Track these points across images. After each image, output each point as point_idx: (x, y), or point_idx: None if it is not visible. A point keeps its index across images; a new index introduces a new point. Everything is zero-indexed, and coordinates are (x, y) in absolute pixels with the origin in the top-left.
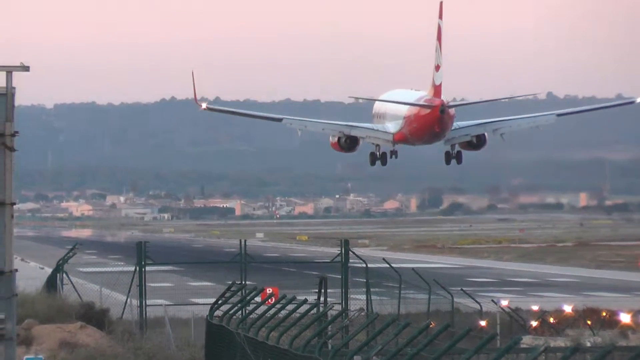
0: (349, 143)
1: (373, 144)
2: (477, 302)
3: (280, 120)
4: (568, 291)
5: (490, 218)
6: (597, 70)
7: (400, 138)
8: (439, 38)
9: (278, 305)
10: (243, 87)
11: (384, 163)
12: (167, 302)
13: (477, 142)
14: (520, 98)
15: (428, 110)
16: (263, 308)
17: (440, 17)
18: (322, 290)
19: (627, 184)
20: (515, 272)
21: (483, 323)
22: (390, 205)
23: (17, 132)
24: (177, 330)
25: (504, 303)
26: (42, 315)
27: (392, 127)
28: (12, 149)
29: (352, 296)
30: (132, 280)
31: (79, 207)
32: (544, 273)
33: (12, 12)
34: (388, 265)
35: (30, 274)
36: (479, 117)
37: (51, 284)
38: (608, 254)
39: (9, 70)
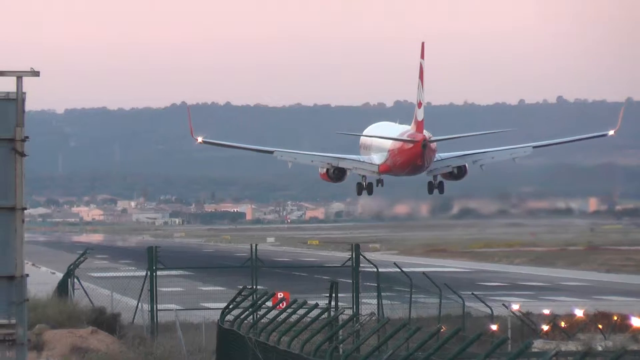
0: (337, 174)
1: (360, 174)
2: (488, 306)
3: (271, 152)
4: (579, 295)
5: (500, 223)
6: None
7: (385, 169)
8: (421, 77)
9: (289, 310)
10: (253, 92)
11: (370, 192)
12: (178, 307)
13: (458, 173)
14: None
15: (411, 145)
16: (274, 313)
17: (422, 57)
18: (333, 295)
19: (637, 189)
20: (526, 276)
21: (494, 327)
22: (400, 209)
23: (27, 137)
24: (188, 335)
25: (515, 307)
26: (54, 320)
27: (377, 158)
28: (22, 154)
29: (363, 300)
30: (143, 285)
31: (90, 212)
32: (555, 277)
33: (22, 17)
34: (399, 270)
35: (41, 279)
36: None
37: (62, 289)
38: (619, 258)
39: (19, 76)
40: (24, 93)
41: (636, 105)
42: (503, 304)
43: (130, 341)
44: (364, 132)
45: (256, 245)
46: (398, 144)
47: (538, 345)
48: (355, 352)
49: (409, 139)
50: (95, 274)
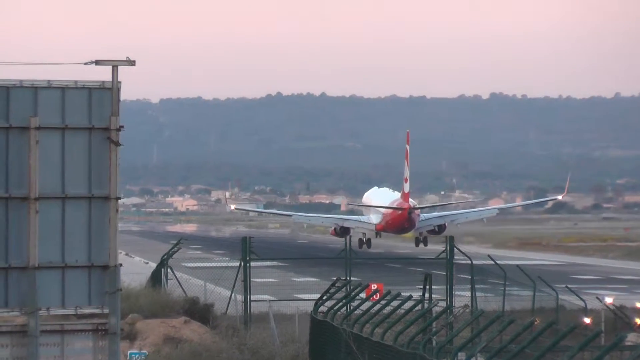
0: (342, 231)
1: (361, 232)
2: (581, 299)
3: (290, 216)
4: None
5: (594, 217)
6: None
7: (380, 228)
8: (406, 158)
9: (383, 302)
10: (348, 83)
11: (369, 247)
12: (271, 298)
13: (439, 230)
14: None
15: (399, 212)
16: (367, 304)
17: (407, 143)
18: (427, 287)
19: None
20: (620, 270)
21: (588, 320)
22: (494, 203)
23: (122, 126)
24: (281, 325)
25: (609, 300)
26: (146, 310)
27: (374, 219)
28: (117, 144)
29: (456, 293)
30: (237, 275)
31: (184, 202)
32: None
33: (120, 6)
34: (493, 262)
35: (134, 269)
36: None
37: (155, 278)
38: None
39: (115, 65)
40: (120, 82)
41: None
42: (597, 297)
43: (224, 332)
44: (365, 196)
45: (350, 236)
46: (390, 210)
47: (631, 338)
48: (448, 344)
49: (398, 207)
50: (189, 264)
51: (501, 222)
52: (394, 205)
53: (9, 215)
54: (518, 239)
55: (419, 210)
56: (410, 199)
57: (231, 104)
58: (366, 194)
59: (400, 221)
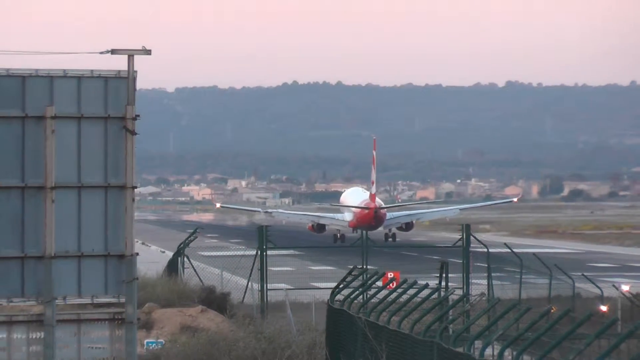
0: (319, 228)
1: (335, 228)
2: (598, 287)
3: (271, 213)
4: None
5: (611, 205)
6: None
7: (353, 225)
8: (373, 163)
9: (399, 290)
10: (365, 71)
11: (342, 241)
12: (288, 286)
13: (407, 227)
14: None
15: (366, 211)
16: (384, 292)
17: (374, 149)
18: (444, 275)
19: None
20: (636, 258)
21: (604, 308)
22: (511, 190)
23: (138, 115)
24: (298, 314)
25: (625, 288)
26: (163, 299)
27: (348, 217)
28: (133, 133)
29: (473, 281)
30: (254, 264)
31: (200, 191)
32: None
33: None
34: (509, 250)
35: (151, 258)
36: None
37: (172, 267)
38: None
39: (131, 54)
40: (135, 71)
41: None
42: (613, 285)
43: (240, 320)
44: (342, 196)
45: (366, 232)
46: (359, 209)
47: None
48: (465, 332)
49: (365, 206)
50: (205, 253)
51: (517, 210)
52: (362, 205)
53: (25, 204)
54: (534, 227)
55: (385, 209)
56: (377, 199)
57: (247, 93)
58: (343, 194)
59: (367, 219)
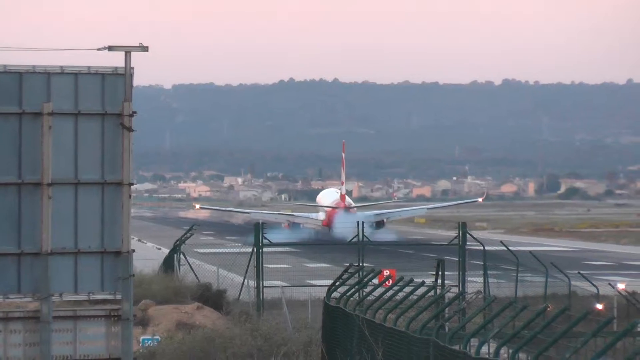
0: (294, 227)
1: (309, 227)
2: (594, 285)
3: (249, 213)
4: None
5: (607, 203)
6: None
7: (325, 224)
8: (342, 165)
9: (395, 288)
10: (361, 69)
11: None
12: (284, 284)
13: (377, 225)
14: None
15: (337, 210)
16: (380, 290)
17: (343, 151)
18: (440, 273)
19: None
20: (632, 256)
21: (600, 307)
22: (507, 188)
23: (135, 112)
24: (294, 311)
25: (621, 286)
26: (159, 296)
27: (321, 216)
28: (130, 129)
29: (469, 279)
30: (250, 261)
31: (197, 188)
32: None
33: None
34: (505, 248)
35: (147, 255)
36: None
37: (168, 264)
38: None
39: (128, 51)
40: (133, 68)
41: None
42: (609, 284)
43: (236, 317)
44: (318, 196)
45: (363, 222)
46: (329, 209)
47: None
48: (461, 330)
49: (335, 205)
50: (201, 250)
51: (514, 207)
52: (332, 205)
53: (22, 201)
54: (531, 225)
55: (355, 208)
56: (347, 199)
57: (244, 90)
58: (318, 195)
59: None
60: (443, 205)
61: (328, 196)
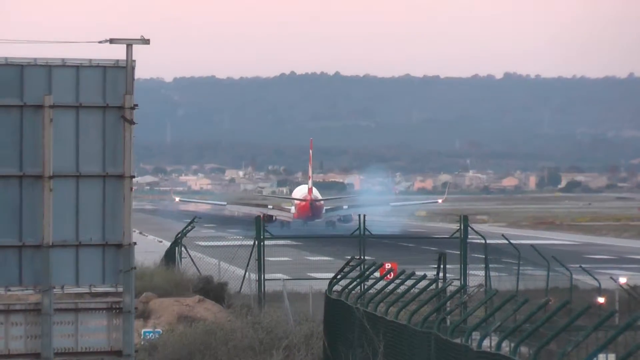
0: (268, 218)
1: (282, 219)
2: (595, 279)
3: (224, 205)
4: None
5: (609, 196)
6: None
7: (296, 217)
8: (310, 161)
9: (397, 281)
10: (363, 62)
11: (287, 228)
12: (285, 277)
13: (345, 219)
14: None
15: (304, 202)
16: (382, 283)
17: (311, 148)
18: (441, 266)
19: None
20: (634, 250)
21: (601, 300)
22: (508, 182)
23: (136, 105)
24: (295, 304)
25: (623, 280)
26: (160, 288)
27: (293, 209)
28: (131, 122)
29: (470, 272)
30: (251, 254)
31: (198, 181)
32: None
33: None
34: (507, 242)
35: (148, 248)
36: None
37: (169, 257)
38: None
39: (129, 43)
40: (134, 61)
41: None
42: (610, 277)
43: (238, 310)
44: (293, 192)
45: (364, 215)
46: (298, 202)
47: None
48: (462, 323)
49: (302, 199)
50: (203, 243)
51: (515, 201)
52: (300, 198)
53: (23, 193)
54: (532, 219)
55: (322, 202)
56: (314, 192)
57: (245, 83)
58: (294, 190)
59: (305, 211)
60: (407, 204)
61: (301, 191)
